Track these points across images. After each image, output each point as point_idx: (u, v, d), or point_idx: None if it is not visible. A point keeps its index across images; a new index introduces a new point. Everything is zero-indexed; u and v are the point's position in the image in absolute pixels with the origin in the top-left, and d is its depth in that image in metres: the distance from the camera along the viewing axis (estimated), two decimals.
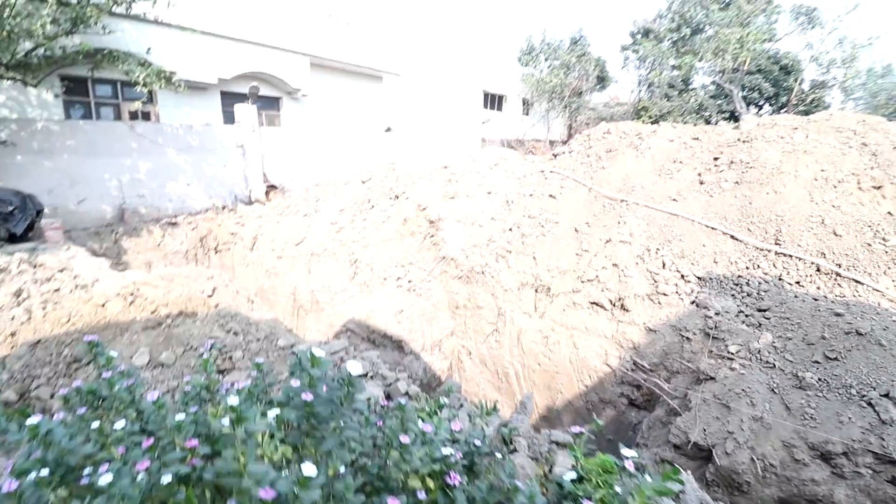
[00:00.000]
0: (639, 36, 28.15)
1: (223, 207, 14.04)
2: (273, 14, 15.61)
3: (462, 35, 25.23)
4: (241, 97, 15.45)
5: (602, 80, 28.34)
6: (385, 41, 19.83)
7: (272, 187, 15.12)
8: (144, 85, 10.11)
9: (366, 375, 4.53)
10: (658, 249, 6.85)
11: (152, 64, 10.46)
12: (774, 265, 6.27)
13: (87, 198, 11.23)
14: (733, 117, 22.83)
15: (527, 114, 28.92)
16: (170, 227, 12.26)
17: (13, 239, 7.69)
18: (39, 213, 8.63)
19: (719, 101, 23.17)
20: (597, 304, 6.74)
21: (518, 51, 27.86)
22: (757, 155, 7.67)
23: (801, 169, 7.11)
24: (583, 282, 7.05)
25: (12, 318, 4.41)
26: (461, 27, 25.18)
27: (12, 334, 4.26)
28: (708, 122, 23.16)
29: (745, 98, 21.01)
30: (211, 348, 3.44)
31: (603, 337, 6.54)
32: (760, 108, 22.55)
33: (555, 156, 10.00)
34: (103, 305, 4.52)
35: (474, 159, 11.10)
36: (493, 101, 26.75)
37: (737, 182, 7.49)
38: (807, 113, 19.86)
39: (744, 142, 8.18)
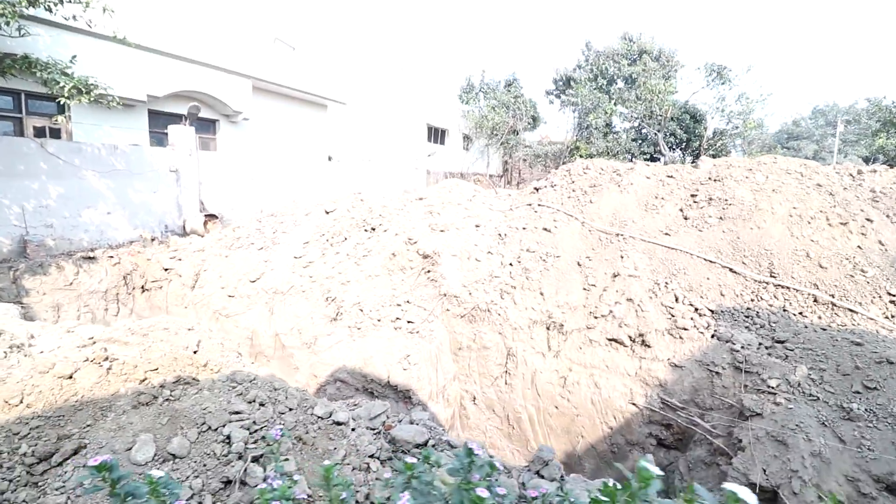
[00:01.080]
0: (560, 83, 30.56)
1: (152, 239, 12.13)
2: (216, 33, 14.32)
3: (407, 68, 25.38)
4: (172, 117, 13.77)
5: (534, 121, 30.01)
6: (331, 69, 19.18)
7: (211, 217, 13.45)
8: (69, 97, 8.47)
9: (425, 444, 3.77)
10: (667, 283, 6.91)
11: (76, 75, 8.80)
12: (776, 297, 6.59)
13: None
14: (653, 159, 25.26)
15: (467, 149, 29.57)
16: (85, 262, 10.23)
17: None
18: None
19: (640, 144, 25.53)
20: (615, 341, 6.55)
21: (459, 88, 28.67)
22: (732, 193, 8.22)
23: (776, 206, 7.71)
24: (595, 318, 6.86)
25: None
26: (406, 61, 25.36)
27: None
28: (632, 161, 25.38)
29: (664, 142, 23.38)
30: (282, 435, 2.58)
31: (626, 375, 6.33)
32: (674, 150, 25.19)
33: (536, 189, 9.99)
34: (71, 377, 3.29)
35: (450, 191, 10.76)
36: (437, 134, 27.00)
37: (720, 218, 7.93)
38: (715, 156, 22.52)
39: (715, 180, 8.76)
